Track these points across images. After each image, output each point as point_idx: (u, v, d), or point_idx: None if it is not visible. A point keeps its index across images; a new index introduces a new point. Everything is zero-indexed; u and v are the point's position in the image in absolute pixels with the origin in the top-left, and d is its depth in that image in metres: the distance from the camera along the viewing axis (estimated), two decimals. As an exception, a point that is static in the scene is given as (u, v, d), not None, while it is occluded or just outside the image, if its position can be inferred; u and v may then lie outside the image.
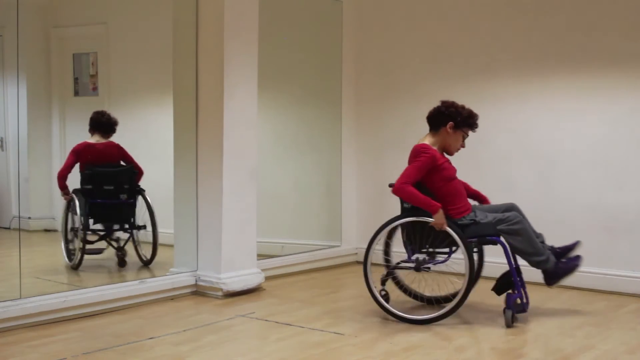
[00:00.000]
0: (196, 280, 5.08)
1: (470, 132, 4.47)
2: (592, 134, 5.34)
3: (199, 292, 5.07)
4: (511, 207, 4.44)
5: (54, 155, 6.38)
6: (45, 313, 4.23)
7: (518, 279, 4.37)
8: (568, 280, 5.34)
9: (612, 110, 5.26)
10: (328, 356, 3.71)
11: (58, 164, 6.29)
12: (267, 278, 5.38)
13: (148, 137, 6.67)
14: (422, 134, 6.02)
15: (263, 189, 5.64)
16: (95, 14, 6.80)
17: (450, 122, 4.36)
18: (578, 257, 4.40)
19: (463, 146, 4.48)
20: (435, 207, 4.20)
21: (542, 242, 4.41)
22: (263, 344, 3.95)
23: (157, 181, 6.22)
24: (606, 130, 5.29)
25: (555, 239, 5.45)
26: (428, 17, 6.10)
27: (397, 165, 6.20)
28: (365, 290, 5.38)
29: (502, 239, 4.27)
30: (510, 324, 4.18)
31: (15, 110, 5.87)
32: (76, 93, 6.78)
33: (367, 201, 6.47)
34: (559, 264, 4.35)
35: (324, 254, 6.24)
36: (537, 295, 5.13)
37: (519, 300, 4.31)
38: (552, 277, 4.35)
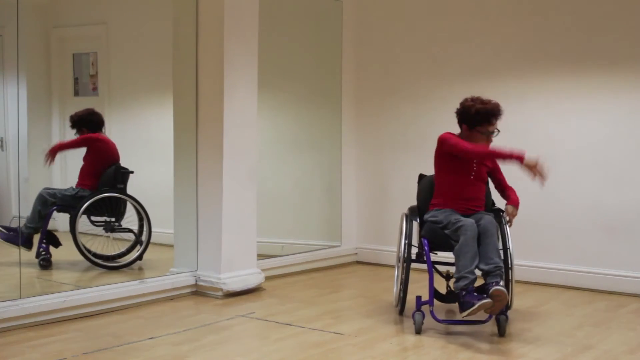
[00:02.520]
0: (196, 280, 5.08)
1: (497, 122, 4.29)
2: (592, 134, 5.34)
3: (199, 292, 5.07)
4: (479, 219, 4.11)
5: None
6: (45, 313, 4.23)
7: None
8: (568, 280, 5.38)
9: (612, 110, 5.27)
10: (328, 356, 3.71)
11: (58, 164, 6.29)
12: (267, 278, 5.38)
13: (148, 137, 6.67)
14: (422, 133, 6.05)
15: (263, 189, 5.64)
16: (95, 14, 6.80)
17: (464, 125, 4.30)
18: (480, 298, 3.86)
19: (492, 137, 4.28)
20: (512, 154, 4.12)
21: (489, 271, 3.95)
22: (263, 344, 3.95)
23: (157, 181, 6.23)
24: (606, 130, 5.29)
25: (555, 239, 5.47)
26: (428, 17, 6.10)
27: (397, 165, 6.23)
28: (365, 290, 5.39)
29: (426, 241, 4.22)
30: (419, 328, 4.06)
31: (15, 110, 5.86)
32: (76, 93, 6.78)
33: (367, 201, 6.47)
34: (466, 296, 3.92)
35: (324, 254, 6.24)
36: (537, 295, 5.14)
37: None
38: (459, 306, 3.99)
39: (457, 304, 4.48)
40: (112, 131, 6.62)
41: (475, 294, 3.94)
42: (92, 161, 5.70)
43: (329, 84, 6.44)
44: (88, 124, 5.83)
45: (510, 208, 4.40)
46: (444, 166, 4.37)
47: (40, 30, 6.64)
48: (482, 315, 4.03)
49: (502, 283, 3.92)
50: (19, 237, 5.29)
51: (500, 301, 3.85)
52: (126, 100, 6.78)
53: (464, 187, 4.31)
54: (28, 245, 5.43)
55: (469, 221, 4.07)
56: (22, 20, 4.56)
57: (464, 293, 3.94)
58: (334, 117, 6.43)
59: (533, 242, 5.51)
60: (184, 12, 5.13)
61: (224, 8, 4.93)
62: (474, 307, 3.83)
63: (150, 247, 5.82)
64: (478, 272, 4.02)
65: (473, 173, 4.32)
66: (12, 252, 5.27)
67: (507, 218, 4.37)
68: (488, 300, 3.82)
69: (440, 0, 6.05)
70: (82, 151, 5.84)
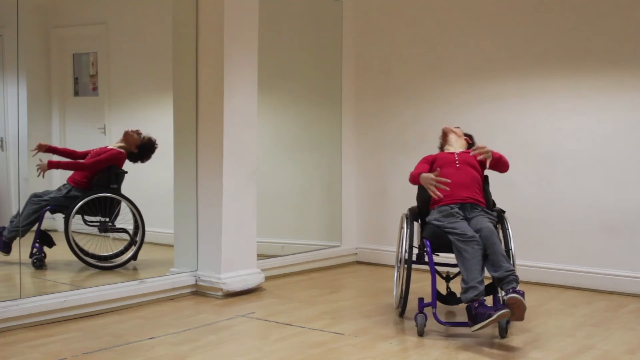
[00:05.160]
0: (196, 280, 5.08)
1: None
2: (592, 133, 5.34)
3: (199, 292, 5.08)
4: (484, 230, 4.06)
5: (54, 155, 6.35)
6: (45, 313, 4.23)
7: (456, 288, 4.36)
8: (568, 280, 5.38)
9: (612, 110, 5.27)
10: (328, 356, 3.71)
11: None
12: (267, 278, 5.38)
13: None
14: (422, 133, 6.06)
15: (263, 189, 5.64)
16: (95, 14, 6.80)
17: None
18: (497, 308, 3.77)
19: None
20: (415, 175, 4.33)
21: (502, 277, 3.89)
22: (263, 344, 3.95)
23: (157, 181, 6.23)
24: (606, 130, 5.29)
25: (555, 239, 5.47)
26: (428, 17, 6.10)
27: (397, 165, 6.23)
28: (365, 290, 5.39)
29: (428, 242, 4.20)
30: (422, 330, 4.02)
31: (15, 110, 5.86)
32: (76, 93, 6.79)
33: (367, 201, 6.47)
34: (480, 308, 3.82)
35: (324, 254, 6.24)
36: (537, 295, 5.14)
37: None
38: (470, 319, 3.88)
39: (451, 304, 4.50)
40: (112, 131, 6.63)
41: (488, 305, 3.84)
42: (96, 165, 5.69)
43: (329, 84, 6.44)
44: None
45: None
46: (434, 165, 4.50)
47: (40, 30, 6.65)
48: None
49: (518, 288, 3.81)
50: (1, 240, 5.31)
51: (519, 307, 3.73)
52: (126, 100, 6.78)
53: (453, 174, 4.34)
54: (6, 250, 5.34)
55: (477, 235, 4.04)
56: (22, 20, 4.56)
57: (476, 305, 3.83)
58: (333, 117, 6.43)
59: (533, 242, 5.51)
60: (184, 12, 5.13)
61: (224, 8, 4.93)
62: (492, 318, 3.70)
63: (150, 247, 5.83)
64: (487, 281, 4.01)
65: (457, 162, 4.43)
66: (12, 252, 5.27)
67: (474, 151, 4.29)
68: (506, 310, 3.71)
69: (440, 1, 6.05)
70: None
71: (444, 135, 4.74)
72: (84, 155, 5.77)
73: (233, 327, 4.26)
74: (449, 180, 4.19)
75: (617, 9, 5.21)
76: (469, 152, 4.46)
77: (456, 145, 4.65)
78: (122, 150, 5.79)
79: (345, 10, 6.42)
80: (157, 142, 5.90)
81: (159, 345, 3.84)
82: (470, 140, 4.74)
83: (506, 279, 3.88)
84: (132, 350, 3.75)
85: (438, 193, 4.17)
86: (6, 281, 5.04)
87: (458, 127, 4.81)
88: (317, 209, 6.52)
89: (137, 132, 5.85)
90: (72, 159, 5.76)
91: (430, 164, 4.52)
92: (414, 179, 4.36)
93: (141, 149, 5.86)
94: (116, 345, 3.83)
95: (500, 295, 4.01)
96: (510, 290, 3.80)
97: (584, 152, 5.36)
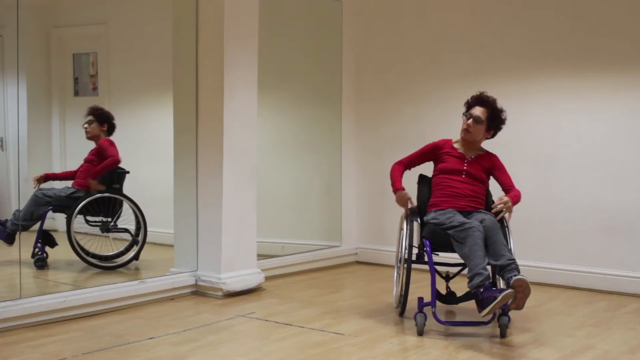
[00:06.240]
0: (196, 280, 5.08)
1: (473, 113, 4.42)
2: (592, 134, 5.34)
3: (199, 292, 5.08)
4: (486, 220, 4.10)
5: (54, 155, 6.37)
6: (45, 313, 4.23)
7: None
8: (568, 280, 5.38)
9: (612, 110, 5.27)
10: (328, 356, 3.71)
11: (58, 164, 6.31)
12: (267, 278, 5.38)
13: (148, 137, 6.67)
14: (422, 134, 6.05)
15: (263, 189, 5.64)
16: (95, 14, 6.80)
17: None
18: (502, 290, 3.78)
19: (468, 125, 4.39)
20: (393, 189, 4.43)
21: (503, 265, 3.90)
22: (263, 344, 3.95)
23: (157, 181, 6.23)
24: (606, 130, 5.29)
25: (555, 239, 5.47)
26: (428, 17, 6.10)
27: (397, 165, 6.22)
28: (365, 290, 5.39)
29: (428, 242, 4.18)
30: (421, 330, 4.03)
31: (15, 110, 5.87)
32: (76, 93, 6.78)
33: (367, 201, 6.47)
34: (485, 292, 3.83)
35: (324, 254, 6.25)
36: (537, 295, 5.14)
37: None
38: (478, 305, 3.88)
39: (451, 304, 4.50)
40: (111, 131, 6.63)
41: (494, 288, 3.88)
42: (96, 163, 5.69)
43: (328, 84, 6.44)
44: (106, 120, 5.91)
45: (504, 197, 4.22)
46: (437, 166, 4.50)
47: (40, 30, 6.64)
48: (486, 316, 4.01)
49: (521, 275, 3.80)
50: (4, 231, 5.32)
51: (523, 291, 3.75)
52: (126, 100, 6.78)
53: (457, 185, 4.35)
54: (10, 240, 5.36)
55: (475, 222, 4.06)
56: (22, 20, 4.56)
57: (481, 290, 3.85)
58: (334, 118, 6.43)
59: (533, 242, 5.51)
60: (184, 12, 5.13)
61: (224, 8, 4.93)
62: (497, 300, 3.71)
63: (150, 247, 5.83)
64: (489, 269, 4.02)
65: (464, 172, 4.38)
66: (12, 252, 5.28)
67: (498, 206, 4.17)
68: (510, 290, 3.73)
69: (440, 1, 6.05)
70: (84, 152, 5.84)
71: (463, 131, 4.46)
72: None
73: (233, 327, 4.26)
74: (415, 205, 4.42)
75: (617, 9, 5.21)
76: (480, 162, 4.42)
77: (473, 149, 4.48)
78: (104, 138, 5.80)
79: (345, 10, 6.42)
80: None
81: (159, 345, 3.84)
82: (489, 135, 4.49)
83: (508, 267, 3.89)
84: (132, 350, 3.76)
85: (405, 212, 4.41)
86: (6, 281, 5.04)
87: (484, 109, 4.40)
88: (317, 209, 6.52)
89: (88, 121, 5.83)
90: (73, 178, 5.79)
91: (433, 157, 4.50)
92: (393, 185, 4.42)
93: (107, 121, 5.86)
94: (116, 345, 3.83)
95: (499, 283, 4.02)
96: (513, 276, 3.80)
97: (584, 152, 5.36)
